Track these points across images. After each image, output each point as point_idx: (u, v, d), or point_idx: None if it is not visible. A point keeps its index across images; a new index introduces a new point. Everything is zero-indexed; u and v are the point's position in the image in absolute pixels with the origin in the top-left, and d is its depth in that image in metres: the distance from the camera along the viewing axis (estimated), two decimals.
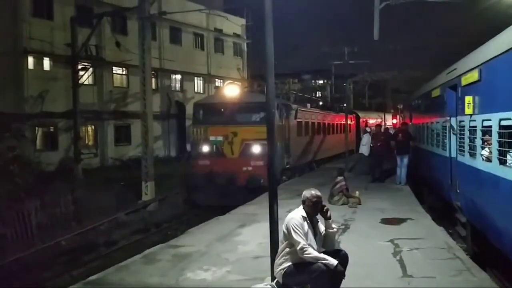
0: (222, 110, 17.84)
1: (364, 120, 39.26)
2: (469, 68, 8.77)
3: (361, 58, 32.87)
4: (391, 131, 25.28)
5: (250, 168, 16.57)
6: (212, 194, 16.34)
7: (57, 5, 24.87)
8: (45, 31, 23.82)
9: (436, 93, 12.75)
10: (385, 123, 42.88)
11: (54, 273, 11.30)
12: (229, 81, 18.80)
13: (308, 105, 26.15)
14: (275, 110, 16.31)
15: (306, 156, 23.10)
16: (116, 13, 24.74)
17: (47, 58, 24.71)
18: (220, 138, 17.23)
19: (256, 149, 16.67)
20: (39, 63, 24.48)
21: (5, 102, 21.73)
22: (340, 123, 30.02)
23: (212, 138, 17.41)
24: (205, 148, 17.51)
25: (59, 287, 10.08)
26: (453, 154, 10.25)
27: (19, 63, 23.34)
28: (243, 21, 40.49)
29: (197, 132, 18.12)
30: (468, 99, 8.43)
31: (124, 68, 28.85)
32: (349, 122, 29.07)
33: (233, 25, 37.01)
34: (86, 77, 23.19)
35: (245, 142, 17.00)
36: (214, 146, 17.44)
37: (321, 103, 36.62)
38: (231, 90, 18.17)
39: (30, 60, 24.01)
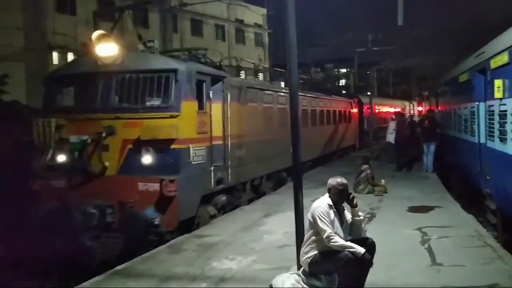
0: (88, 87, 9.70)
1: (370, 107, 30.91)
2: (498, 51, 8.50)
3: (385, 45, 32.38)
4: (415, 119, 24.92)
5: (137, 196, 8.70)
6: (52, 248, 8.42)
7: (80, 0, 25.21)
8: (68, 26, 24.17)
9: (463, 77, 12.43)
10: (410, 111, 42.07)
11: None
12: (99, 32, 9.75)
13: (282, 83, 16.19)
14: (193, 84, 9.41)
15: (267, 165, 13.51)
16: (138, 6, 24.85)
17: (71, 53, 25.07)
18: (84, 138, 9.16)
19: (148, 159, 8.80)
20: (63, 58, 24.88)
21: (33, 98, 22.15)
22: (337, 111, 23.20)
23: (72, 139, 9.35)
24: (58, 158, 9.30)
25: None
26: (482, 140, 9.99)
27: (44, 59, 23.76)
28: (264, 10, 40.31)
29: (44, 127, 9.47)
30: (498, 82, 8.17)
31: None
32: (347, 109, 25.22)
33: (254, 15, 36.91)
34: None
35: (130, 147, 9.08)
36: (74, 154, 9.26)
37: (344, 92, 35.57)
38: (105, 49, 9.42)
39: (55, 55, 24.43)
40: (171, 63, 9.63)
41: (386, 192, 12.40)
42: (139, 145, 8.95)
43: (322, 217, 5.16)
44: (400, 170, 16.72)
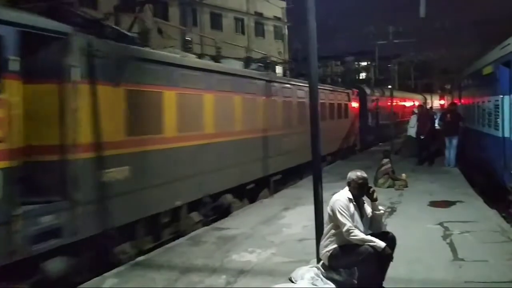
0: None
1: (375, 98, 27.37)
2: None
3: (407, 37, 31.89)
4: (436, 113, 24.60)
5: None
6: None
7: None
8: None
9: (487, 70, 12.20)
10: (431, 104, 41.46)
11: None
12: None
13: (237, 64, 12.10)
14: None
15: (187, 189, 8.69)
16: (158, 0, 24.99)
17: None
18: None
19: None
20: None
21: None
22: (327, 103, 18.06)
23: None
24: None
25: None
26: (506, 134, 9.81)
27: None
28: (283, 3, 40.13)
29: None
30: None
31: None
32: (341, 101, 20.49)
33: (274, 8, 36.80)
34: None
35: None
36: None
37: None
38: None
39: None
40: None
41: (407, 186, 12.25)
42: None
43: (341, 210, 5.12)
44: (421, 164, 16.52)
